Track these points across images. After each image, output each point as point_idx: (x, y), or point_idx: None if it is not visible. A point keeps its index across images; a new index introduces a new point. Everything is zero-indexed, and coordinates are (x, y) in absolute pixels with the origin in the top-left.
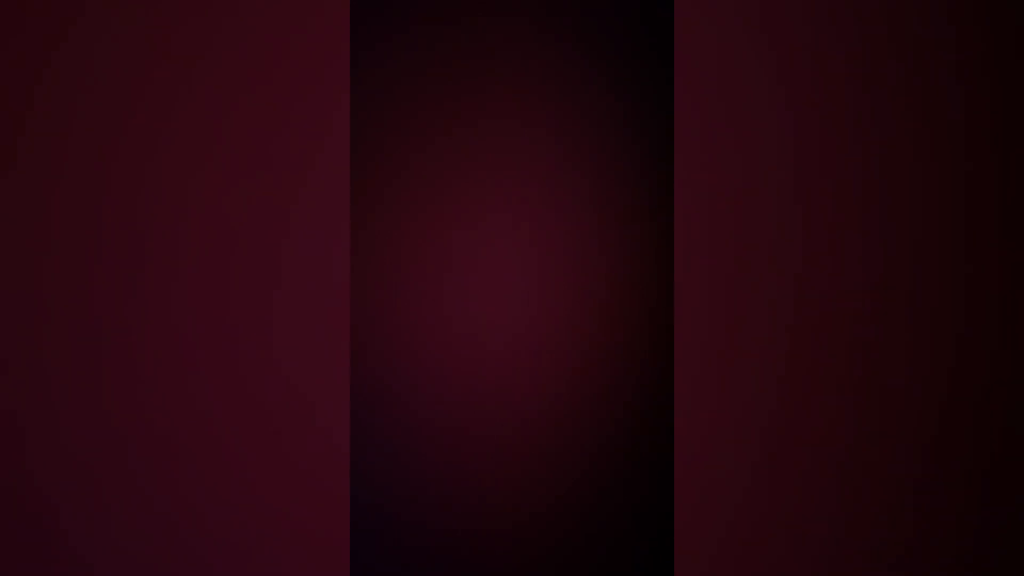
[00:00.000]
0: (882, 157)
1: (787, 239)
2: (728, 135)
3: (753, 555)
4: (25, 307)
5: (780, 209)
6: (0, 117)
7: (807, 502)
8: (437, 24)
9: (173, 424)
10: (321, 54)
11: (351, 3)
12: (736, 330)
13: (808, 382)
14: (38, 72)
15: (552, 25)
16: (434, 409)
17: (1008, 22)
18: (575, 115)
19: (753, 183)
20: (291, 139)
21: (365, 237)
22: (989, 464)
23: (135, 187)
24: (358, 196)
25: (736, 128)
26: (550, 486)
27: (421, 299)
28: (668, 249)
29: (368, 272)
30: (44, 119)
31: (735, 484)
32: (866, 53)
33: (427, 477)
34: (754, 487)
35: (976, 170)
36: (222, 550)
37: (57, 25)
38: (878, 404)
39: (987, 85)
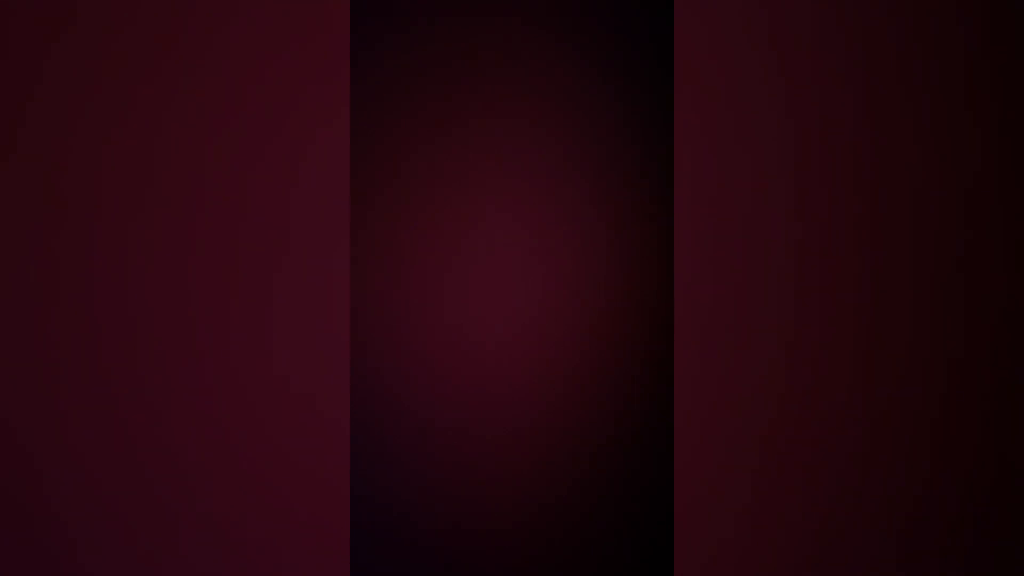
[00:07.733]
0: (882, 157)
1: (787, 239)
2: (728, 135)
3: (753, 555)
4: (23, 306)
5: (780, 209)
6: None
7: (807, 502)
8: (437, 24)
9: (173, 424)
10: (321, 54)
11: (351, 3)
12: (736, 330)
13: (808, 382)
14: (38, 68)
15: (552, 25)
16: (434, 408)
17: (1009, 22)
18: (575, 115)
19: (753, 183)
20: (291, 139)
21: (365, 237)
22: (990, 465)
23: (134, 187)
24: (358, 196)
25: (736, 128)
26: (550, 485)
27: (421, 299)
28: (668, 249)
29: (368, 272)
30: (44, 117)
31: (735, 484)
32: (867, 53)
33: (427, 476)
34: (754, 487)
35: (977, 171)
36: (222, 549)
37: (58, 22)
38: (878, 404)
39: (988, 86)
